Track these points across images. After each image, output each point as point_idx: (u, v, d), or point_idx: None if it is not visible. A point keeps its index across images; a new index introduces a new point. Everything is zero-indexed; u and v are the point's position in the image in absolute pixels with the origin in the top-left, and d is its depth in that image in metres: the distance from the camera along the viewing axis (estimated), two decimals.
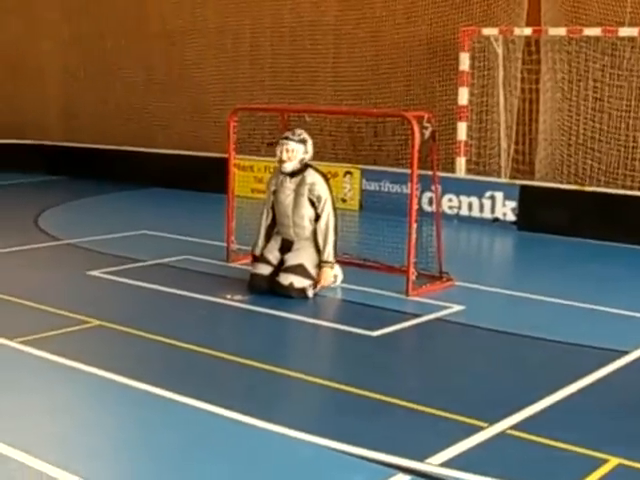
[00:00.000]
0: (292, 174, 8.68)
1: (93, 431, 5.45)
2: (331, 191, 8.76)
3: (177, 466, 4.88)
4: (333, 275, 8.75)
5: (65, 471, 4.72)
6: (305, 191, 8.60)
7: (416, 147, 8.49)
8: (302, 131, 8.76)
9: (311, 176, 8.67)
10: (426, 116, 8.78)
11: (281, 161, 8.67)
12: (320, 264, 8.55)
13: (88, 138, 18.11)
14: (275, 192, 8.79)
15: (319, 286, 8.53)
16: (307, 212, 8.61)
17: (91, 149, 17.81)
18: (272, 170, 14.26)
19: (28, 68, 19.52)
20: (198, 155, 16.12)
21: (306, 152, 8.68)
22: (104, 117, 18.26)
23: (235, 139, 10.16)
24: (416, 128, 8.49)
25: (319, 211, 8.60)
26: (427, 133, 8.68)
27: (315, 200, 8.60)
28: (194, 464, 4.90)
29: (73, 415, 5.70)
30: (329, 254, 8.58)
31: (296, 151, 8.62)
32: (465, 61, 13.27)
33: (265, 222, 8.89)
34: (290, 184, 8.68)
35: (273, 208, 8.85)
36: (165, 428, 5.45)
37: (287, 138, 8.65)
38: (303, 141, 8.67)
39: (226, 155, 10.34)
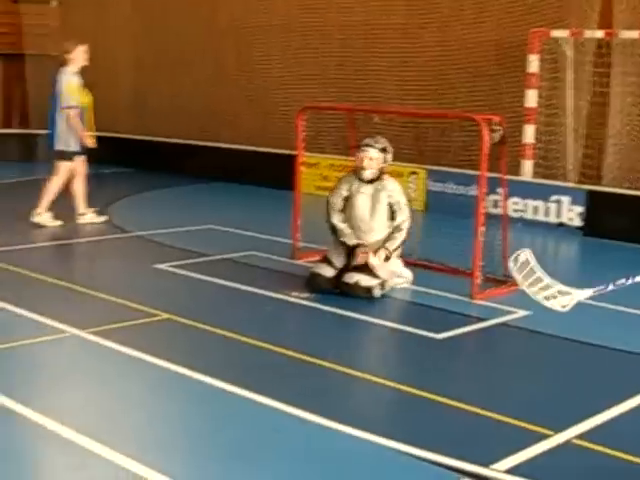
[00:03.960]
0: (370, 180, 8.76)
1: (162, 423, 5.56)
2: (407, 198, 8.92)
3: (242, 461, 4.96)
4: (406, 280, 8.79)
5: (139, 463, 4.84)
6: (384, 197, 8.70)
7: (485, 150, 8.50)
8: (384, 140, 8.85)
9: (390, 183, 8.81)
10: (496, 119, 8.80)
11: (362, 168, 8.75)
12: (380, 248, 8.59)
13: (157, 131, 18.33)
14: (348, 197, 8.84)
15: (359, 257, 8.51)
16: (384, 217, 8.71)
17: (160, 142, 18.04)
18: (338, 167, 14.49)
19: (100, 61, 19.76)
20: (264, 151, 16.24)
21: (386, 160, 8.77)
22: (173, 111, 18.44)
23: (303, 137, 10.23)
24: (485, 131, 8.50)
25: (397, 215, 8.69)
26: (496, 136, 8.68)
27: (394, 205, 8.69)
28: (258, 460, 4.99)
29: (143, 407, 5.82)
30: (392, 244, 8.64)
31: (376, 159, 8.72)
32: (534, 63, 13.18)
33: (340, 222, 8.86)
34: (368, 190, 8.77)
35: (343, 212, 8.89)
36: (230, 423, 5.54)
37: (369, 145, 8.73)
38: (384, 150, 8.76)
39: (292, 152, 10.42)
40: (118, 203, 13.93)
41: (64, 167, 11.56)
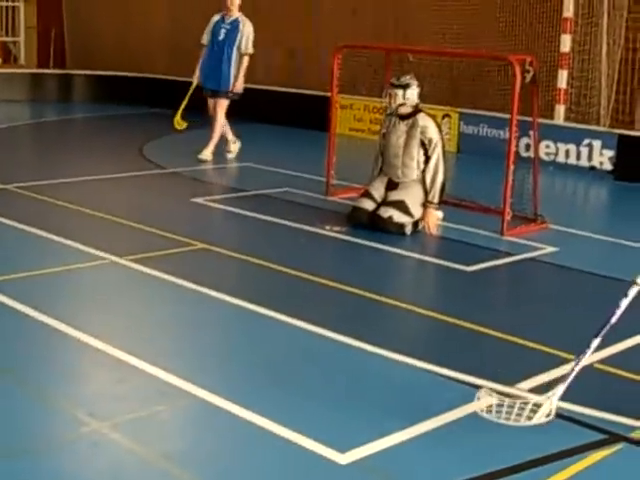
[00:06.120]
0: (403, 117, 8.92)
1: (198, 341, 5.82)
2: (442, 135, 9.00)
3: (280, 379, 5.22)
4: (437, 218, 8.96)
5: (176, 376, 5.11)
6: (417, 133, 8.84)
7: (517, 90, 8.61)
8: (409, 77, 8.97)
9: (423, 119, 8.93)
10: (528, 59, 8.90)
11: (387, 104, 8.98)
12: (425, 204, 8.77)
13: (191, 72, 18.39)
14: (385, 134, 9.04)
15: (422, 224, 8.72)
16: (417, 154, 8.85)
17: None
18: (371, 109, 14.64)
19: (134, 2, 19.91)
20: (299, 92, 16.34)
21: (406, 97, 8.88)
22: None
23: (338, 77, 10.35)
24: (518, 71, 8.61)
25: (429, 153, 8.83)
26: (528, 77, 8.79)
27: (426, 142, 8.83)
28: (295, 377, 5.25)
29: (179, 327, 6.10)
30: (435, 195, 8.79)
31: (399, 95, 8.86)
32: (569, 8, 13.19)
33: (377, 164, 9.12)
34: (402, 126, 8.93)
35: (382, 152, 9.08)
36: (263, 342, 5.81)
37: (392, 83, 8.91)
38: (404, 86, 8.89)
39: (326, 94, 10.55)
40: (154, 142, 14.15)
41: (226, 105, 12.40)
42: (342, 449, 4.31)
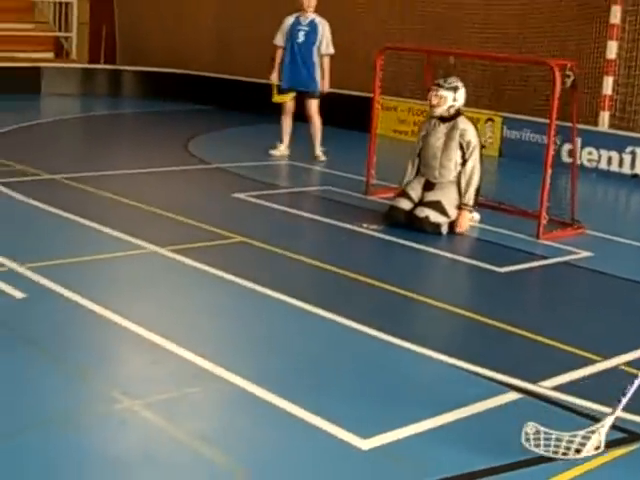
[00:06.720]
0: (444, 119, 9.05)
1: (237, 331, 6.02)
2: (480, 139, 9.12)
3: (312, 368, 5.40)
4: (471, 219, 9.05)
5: (210, 361, 5.28)
6: (456, 136, 8.96)
7: (556, 94, 8.69)
8: (455, 79, 9.09)
9: (463, 122, 9.05)
10: (569, 64, 8.97)
11: (431, 106, 9.07)
12: (460, 206, 8.87)
13: (238, 70, 18.62)
14: (425, 136, 9.17)
15: (457, 229, 8.83)
16: (455, 155, 8.95)
17: (239, 81, 18.31)
18: (416, 111, 14.74)
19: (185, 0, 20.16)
20: (342, 93, 16.44)
21: (455, 100, 9.01)
22: (253, 51, 18.65)
23: (381, 78, 10.46)
24: (557, 75, 8.69)
25: (467, 156, 8.94)
26: (569, 82, 8.86)
27: (465, 145, 8.94)
28: (327, 368, 5.43)
29: (217, 315, 6.29)
30: (470, 198, 8.90)
31: (445, 97, 8.96)
32: (616, 14, 13.21)
33: (412, 165, 9.24)
34: (442, 128, 9.05)
35: (419, 153, 9.19)
36: (298, 334, 5.97)
37: (438, 85, 9.02)
38: (454, 89, 9.00)
39: (370, 94, 10.69)
40: (198, 138, 14.35)
41: (317, 105, 12.60)
42: (365, 435, 4.45)
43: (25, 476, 3.97)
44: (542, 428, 4.34)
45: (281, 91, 12.57)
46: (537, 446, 4.35)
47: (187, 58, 19.72)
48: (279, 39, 12.61)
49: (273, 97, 12.68)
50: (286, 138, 12.78)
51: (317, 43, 12.45)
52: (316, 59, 12.48)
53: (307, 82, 12.50)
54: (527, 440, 4.36)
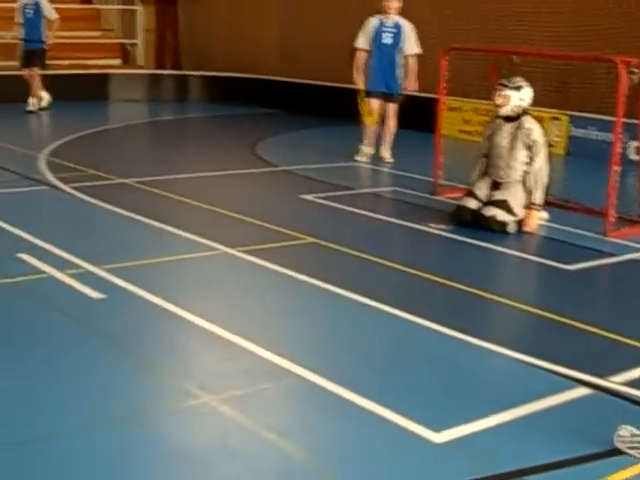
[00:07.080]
0: (510, 119, 9.09)
1: (310, 330, 6.15)
2: (546, 139, 9.16)
3: (383, 365, 5.50)
4: (540, 218, 9.07)
5: (283, 358, 5.42)
6: (522, 135, 8.99)
7: (622, 91, 8.68)
8: (520, 79, 9.12)
9: (529, 122, 9.08)
10: (634, 61, 8.93)
11: (497, 106, 9.12)
12: (528, 205, 8.91)
13: (303, 74, 18.75)
14: (491, 136, 9.21)
15: (525, 228, 8.85)
16: (521, 155, 8.98)
17: (305, 84, 18.45)
18: (480, 111, 14.74)
19: (249, 2, 20.34)
20: (408, 94, 16.47)
21: (521, 99, 9.04)
22: (319, 53, 18.76)
23: (446, 78, 10.52)
24: (623, 72, 8.67)
25: (533, 155, 8.96)
26: (635, 79, 8.83)
27: (531, 144, 8.97)
28: (397, 364, 5.53)
29: (289, 314, 6.43)
30: (538, 197, 8.92)
31: (510, 97, 9.00)
32: None
33: (478, 165, 9.29)
34: (507, 128, 9.09)
35: (485, 153, 9.24)
36: (374, 332, 6.08)
37: (503, 85, 9.06)
38: (518, 88, 9.04)
39: (435, 95, 10.75)
40: (265, 141, 14.53)
41: (397, 108, 12.68)
42: (437, 429, 4.53)
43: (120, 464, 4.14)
44: (636, 431, 4.37)
45: (367, 94, 12.57)
46: (631, 448, 4.36)
47: (252, 62, 19.91)
48: (363, 42, 12.48)
49: (360, 104, 12.72)
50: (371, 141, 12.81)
51: (401, 44, 12.44)
52: (400, 61, 12.47)
53: (392, 85, 12.52)
54: (622, 442, 4.38)
